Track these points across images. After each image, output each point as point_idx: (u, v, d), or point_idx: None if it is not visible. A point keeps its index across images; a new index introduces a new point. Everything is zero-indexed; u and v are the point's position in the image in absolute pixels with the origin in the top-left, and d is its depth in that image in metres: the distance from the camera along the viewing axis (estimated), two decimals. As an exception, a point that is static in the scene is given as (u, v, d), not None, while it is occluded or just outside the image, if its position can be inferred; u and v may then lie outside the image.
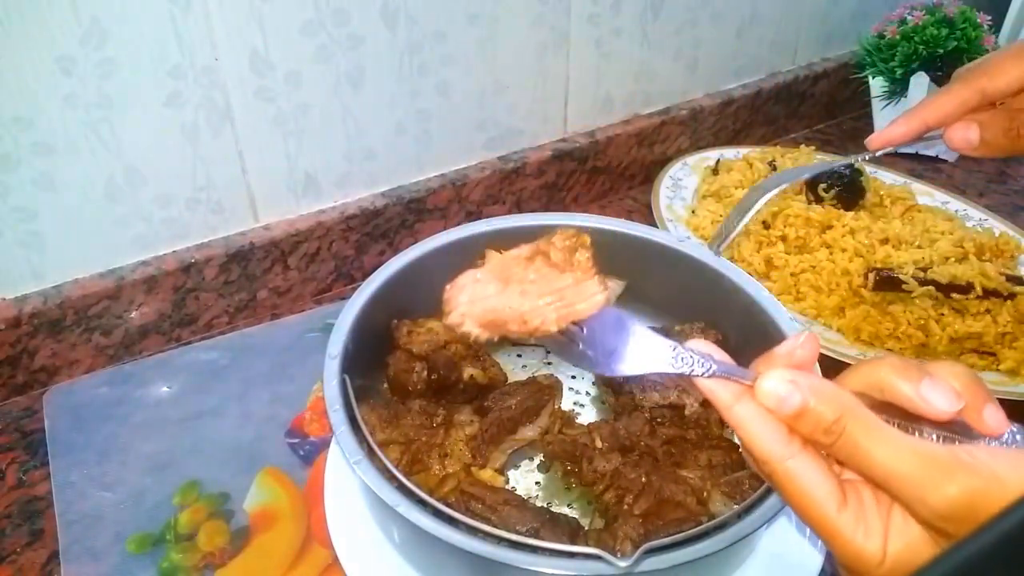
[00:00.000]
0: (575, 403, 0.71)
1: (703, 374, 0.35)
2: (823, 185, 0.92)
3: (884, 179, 1.00)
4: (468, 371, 0.66)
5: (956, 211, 0.96)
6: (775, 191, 0.64)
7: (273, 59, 0.75)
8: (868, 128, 1.15)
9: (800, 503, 0.33)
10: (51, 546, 0.62)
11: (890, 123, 0.54)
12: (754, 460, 0.34)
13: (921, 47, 1.02)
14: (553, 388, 0.66)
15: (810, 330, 0.79)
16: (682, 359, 0.35)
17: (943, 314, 0.79)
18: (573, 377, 0.73)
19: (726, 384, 0.34)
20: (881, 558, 0.31)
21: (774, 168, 0.98)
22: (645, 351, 0.37)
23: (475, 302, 0.39)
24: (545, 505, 0.60)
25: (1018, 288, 0.79)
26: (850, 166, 0.93)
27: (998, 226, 0.93)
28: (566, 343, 0.39)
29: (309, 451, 0.69)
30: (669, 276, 0.73)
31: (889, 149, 0.55)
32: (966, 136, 0.51)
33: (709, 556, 0.47)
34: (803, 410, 0.32)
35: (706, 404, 0.63)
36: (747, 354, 0.66)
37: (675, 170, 1.02)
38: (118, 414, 0.73)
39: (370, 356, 0.65)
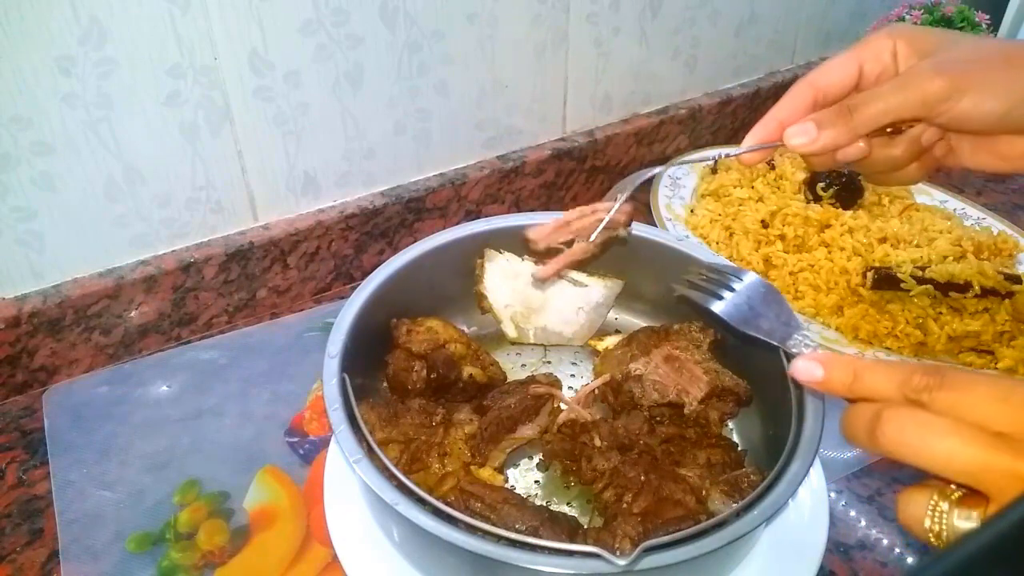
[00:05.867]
0: (574, 402, 0.71)
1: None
2: (821, 184, 0.92)
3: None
4: (467, 370, 0.66)
5: (954, 210, 0.96)
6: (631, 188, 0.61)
7: (272, 59, 0.75)
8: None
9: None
10: (51, 545, 0.62)
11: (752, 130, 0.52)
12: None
13: (919, 46, 1.02)
14: (552, 387, 0.66)
15: (809, 328, 0.79)
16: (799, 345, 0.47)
17: (941, 313, 0.79)
18: (572, 376, 0.73)
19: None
20: None
21: (772, 167, 0.98)
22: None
23: None
24: (544, 504, 0.60)
25: (1016, 287, 0.79)
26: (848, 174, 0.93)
27: (996, 225, 0.93)
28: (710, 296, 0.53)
29: (309, 450, 0.70)
30: (668, 275, 0.73)
31: (757, 147, 0.52)
32: (803, 128, 0.48)
33: (707, 554, 0.47)
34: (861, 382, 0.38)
35: (705, 403, 0.63)
36: (745, 353, 0.67)
37: (674, 169, 1.02)
38: (118, 413, 0.73)
39: (369, 355, 0.65)
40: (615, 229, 0.59)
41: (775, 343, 0.49)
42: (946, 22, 1.03)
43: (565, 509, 0.60)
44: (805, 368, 0.41)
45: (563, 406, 0.65)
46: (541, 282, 0.67)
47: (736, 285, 0.53)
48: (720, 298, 0.53)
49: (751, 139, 0.52)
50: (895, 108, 0.47)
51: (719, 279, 0.54)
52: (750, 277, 0.54)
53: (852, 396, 0.39)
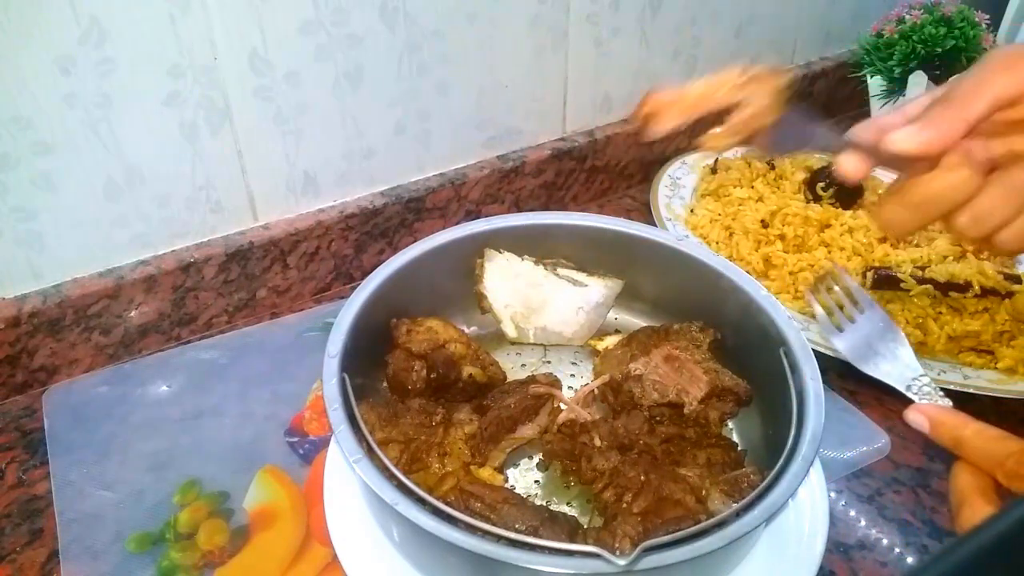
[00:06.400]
0: (574, 402, 0.71)
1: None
2: (821, 184, 0.92)
3: (883, 178, 1.00)
4: (467, 370, 0.66)
5: (954, 210, 0.96)
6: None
7: (272, 58, 0.75)
8: (866, 127, 1.15)
9: None
10: (51, 545, 0.62)
11: (911, 127, 0.46)
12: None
13: (919, 46, 1.02)
14: (552, 387, 0.66)
15: (809, 328, 0.79)
16: (920, 389, 0.50)
17: (941, 312, 0.79)
18: (572, 376, 0.73)
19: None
20: None
21: (772, 167, 0.98)
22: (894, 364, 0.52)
23: None
24: (544, 503, 0.60)
25: (1016, 287, 0.79)
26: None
27: (996, 225, 0.93)
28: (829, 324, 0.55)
29: (309, 450, 0.70)
30: (667, 275, 0.73)
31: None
32: (905, 131, 0.45)
33: (707, 554, 0.47)
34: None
35: (705, 403, 0.63)
36: (745, 353, 0.67)
37: (674, 169, 1.02)
38: (118, 413, 0.73)
39: (369, 355, 0.65)
40: (769, 79, 0.49)
41: (895, 386, 0.52)
42: (946, 22, 1.03)
43: (565, 509, 0.60)
44: (915, 420, 0.46)
45: (563, 406, 0.65)
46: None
47: (858, 316, 0.55)
48: (841, 330, 0.55)
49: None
50: (988, 79, 0.44)
51: (841, 308, 0.56)
52: (873, 311, 0.55)
53: (956, 454, 0.44)
